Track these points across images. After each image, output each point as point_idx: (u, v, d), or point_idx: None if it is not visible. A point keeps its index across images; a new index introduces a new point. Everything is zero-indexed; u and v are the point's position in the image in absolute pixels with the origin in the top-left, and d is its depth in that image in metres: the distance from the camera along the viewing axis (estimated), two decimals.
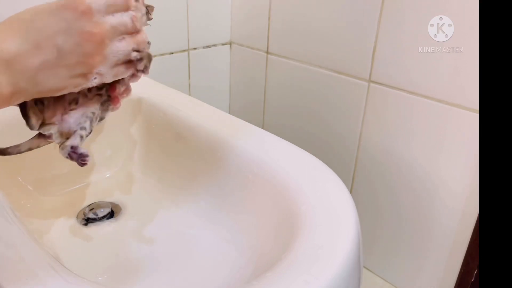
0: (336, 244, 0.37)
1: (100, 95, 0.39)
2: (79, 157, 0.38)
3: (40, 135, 0.40)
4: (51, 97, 0.36)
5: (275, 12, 0.86)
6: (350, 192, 0.61)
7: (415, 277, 0.78)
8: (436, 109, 0.66)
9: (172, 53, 0.88)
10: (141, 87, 0.67)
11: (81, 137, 0.39)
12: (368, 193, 0.80)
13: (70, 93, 0.36)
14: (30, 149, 0.42)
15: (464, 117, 0.63)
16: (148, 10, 0.40)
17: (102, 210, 0.59)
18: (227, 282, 0.47)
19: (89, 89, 0.37)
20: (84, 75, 0.32)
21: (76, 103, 0.38)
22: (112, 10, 0.32)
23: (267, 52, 0.90)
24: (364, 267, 0.86)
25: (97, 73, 0.33)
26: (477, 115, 0.62)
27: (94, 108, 0.39)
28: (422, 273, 0.76)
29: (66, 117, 0.38)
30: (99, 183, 0.64)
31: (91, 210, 0.59)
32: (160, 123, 0.64)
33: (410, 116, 0.69)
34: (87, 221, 0.58)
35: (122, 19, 0.33)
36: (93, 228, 0.57)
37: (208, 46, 0.94)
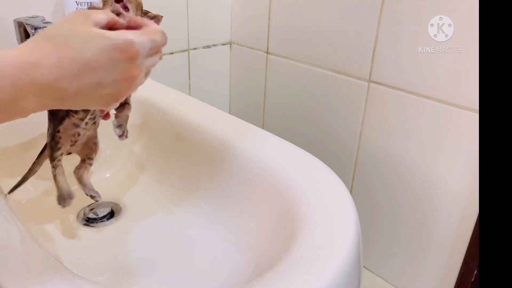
0: (336, 244, 0.37)
1: (94, 122, 0.45)
2: (92, 198, 0.50)
3: (43, 152, 0.49)
4: (62, 135, 0.43)
5: (275, 12, 0.86)
6: (350, 192, 0.61)
7: (415, 277, 0.78)
8: (436, 109, 0.66)
9: (172, 53, 0.88)
10: (141, 87, 0.67)
11: (90, 165, 0.49)
12: (368, 193, 0.80)
13: (72, 128, 0.43)
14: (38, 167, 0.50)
15: (464, 117, 0.63)
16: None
17: (102, 210, 0.59)
18: (227, 282, 0.47)
19: (87, 123, 0.44)
20: (108, 104, 0.33)
21: (79, 134, 0.45)
22: (152, 53, 0.33)
23: (267, 52, 0.90)
24: (364, 267, 0.86)
25: (119, 102, 0.34)
26: (477, 115, 0.62)
27: (94, 136, 0.47)
28: (422, 273, 0.76)
29: (73, 148, 0.46)
30: (99, 183, 0.64)
31: (91, 210, 0.59)
32: (160, 123, 0.64)
33: (410, 116, 0.69)
34: (87, 221, 0.58)
35: (155, 62, 0.34)
36: (93, 228, 0.57)
37: (208, 46, 0.94)
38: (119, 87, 0.31)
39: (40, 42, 0.29)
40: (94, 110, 0.43)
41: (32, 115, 0.29)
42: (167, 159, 0.63)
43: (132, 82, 0.32)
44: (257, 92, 0.96)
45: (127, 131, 0.47)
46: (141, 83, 0.34)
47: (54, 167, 0.45)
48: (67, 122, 0.43)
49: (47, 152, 0.47)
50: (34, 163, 0.51)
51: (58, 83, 0.28)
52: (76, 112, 0.42)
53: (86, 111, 0.42)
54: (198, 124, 0.59)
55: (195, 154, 0.58)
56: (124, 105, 0.44)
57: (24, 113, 0.29)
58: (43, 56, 0.28)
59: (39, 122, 0.57)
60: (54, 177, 0.46)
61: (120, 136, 0.46)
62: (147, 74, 0.35)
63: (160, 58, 0.35)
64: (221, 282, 0.47)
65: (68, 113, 0.42)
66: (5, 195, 0.46)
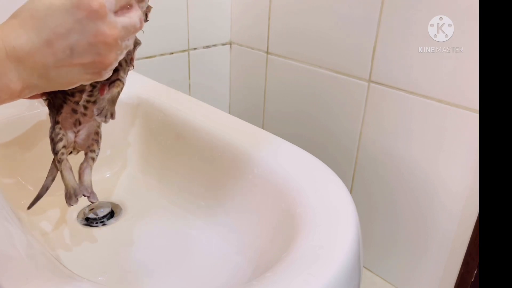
0: (336, 244, 0.37)
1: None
2: (89, 199, 0.46)
3: (53, 161, 0.46)
4: (62, 125, 0.42)
5: (275, 12, 0.86)
6: (350, 192, 0.61)
7: (414, 277, 0.78)
8: (436, 109, 0.66)
9: (172, 53, 0.88)
10: (141, 87, 0.67)
11: (93, 159, 0.46)
12: (368, 193, 0.80)
13: (72, 116, 0.42)
14: (53, 178, 0.47)
15: (464, 117, 0.63)
16: (146, 11, 0.40)
17: (102, 210, 0.59)
18: (227, 282, 0.47)
19: (85, 107, 0.42)
20: (98, 73, 0.32)
21: (80, 123, 0.43)
22: (122, 6, 0.31)
23: (267, 52, 0.90)
24: (364, 266, 0.86)
25: (110, 69, 0.33)
26: (477, 115, 0.62)
27: (96, 125, 0.45)
28: (422, 273, 0.76)
29: (77, 140, 0.44)
30: (99, 183, 0.63)
31: (91, 210, 0.59)
32: (160, 123, 0.64)
33: (410, 116, 0.69)
34: (87, 221, 0.58)
35: (132, 20, 0.32)
36: (93, 228, 0.57)
37: (208, 46, 0.94)
38: (98, 51, 0.30)
39: (8, 20, 0.29)
40: (92, 92, 0.41)
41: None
42: (167, 159, 0.63)
43: (110, 43, 0.30)
44: (257, 92, 0.96)
45: (113, 113, 0.43)
46: (126, 47, 0.32)
47: (59, 162, 0.43)
48: (65, 110, 0.41)
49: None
50: (50, 170, 0.47)
51: (33, 56, 0.28)
52: (72, 94, 0.40)
53: (81, 92, 0.40)
54: (198, 124, 0.59)
55: (195, 154, 0.58)
56: (114, 82, 0.41)
57: (11, 92, 0.29)
58: (10, 31, 0.28)
59: (40, 121, 0.57)
60: (61, 172, 0.44)
61: (104, 121, 0.43)
62: (126, 33, 0.32)
63: (141, 21, 0.33)
64: (221, 282, 0.47)
65: (65, 98, 0.41)
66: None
